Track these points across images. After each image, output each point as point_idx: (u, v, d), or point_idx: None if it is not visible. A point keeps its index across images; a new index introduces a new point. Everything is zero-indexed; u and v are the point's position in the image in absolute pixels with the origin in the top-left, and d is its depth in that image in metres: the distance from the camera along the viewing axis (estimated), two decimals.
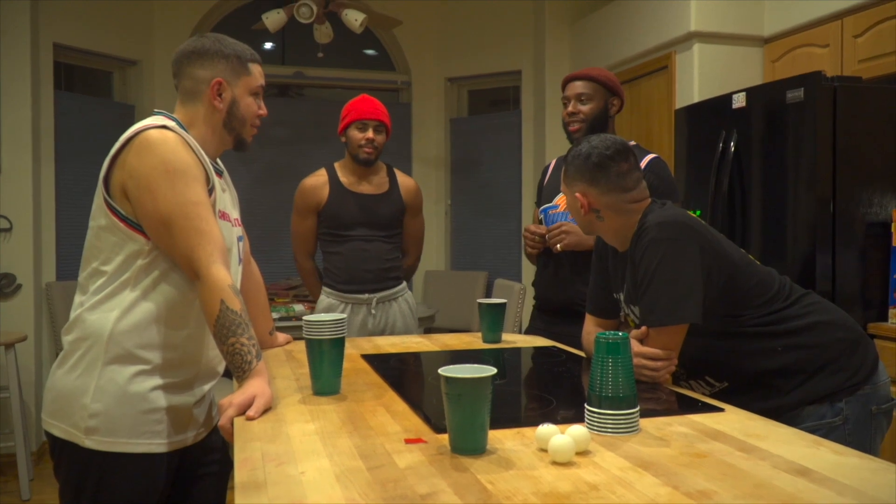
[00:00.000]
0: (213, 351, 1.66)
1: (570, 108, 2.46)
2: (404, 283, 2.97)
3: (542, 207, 2.58)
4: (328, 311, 2.83)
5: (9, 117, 4.05)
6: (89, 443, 1.52)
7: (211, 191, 1.61)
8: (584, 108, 2.44)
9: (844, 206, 2.79)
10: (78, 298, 1.60)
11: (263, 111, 1.74)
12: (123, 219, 1.54)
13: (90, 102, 4.72)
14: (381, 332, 2.84)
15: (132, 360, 1.54)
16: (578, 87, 2.46)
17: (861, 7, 3.09)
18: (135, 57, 4.87)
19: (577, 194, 1.75)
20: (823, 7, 3.27)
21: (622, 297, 1.82)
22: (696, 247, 1.62)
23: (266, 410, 1.43)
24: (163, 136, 1.53)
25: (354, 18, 4.20)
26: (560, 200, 2.52)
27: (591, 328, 1.93)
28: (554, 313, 2.47)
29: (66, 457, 1.57)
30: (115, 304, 1.54)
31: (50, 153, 4.31)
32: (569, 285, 2.42)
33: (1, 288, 3.99)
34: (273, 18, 4.20)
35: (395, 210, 2.89)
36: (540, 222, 2.57)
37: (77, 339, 1.56)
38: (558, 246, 2.37)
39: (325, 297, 2.89)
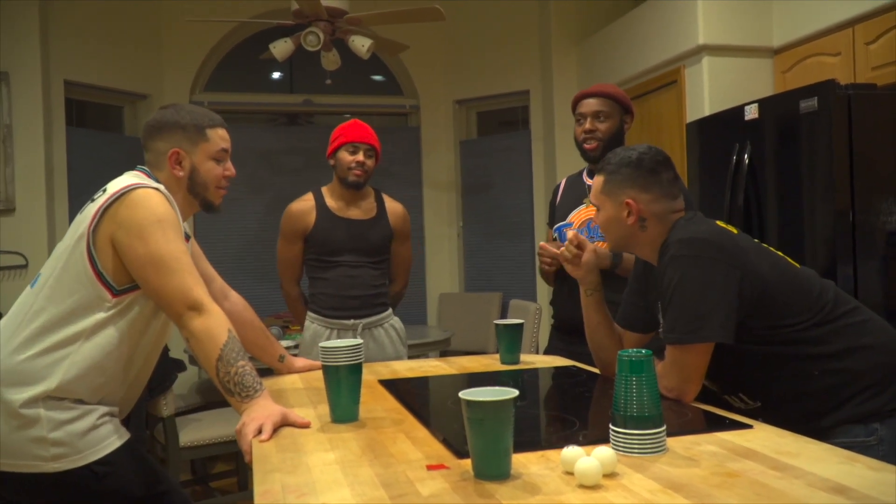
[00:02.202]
0: (128, 391, 1.75)
1: (587, 126, 2.42)
2: (390, 310, 2.92)
3: (555, 226, 2.55)
4: (314, 338, 2.79)
5: (22, 155, 4.09)
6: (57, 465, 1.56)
7: None
8: (602, 125, 2.41)
9: (864, 217, 2.75)
10: (13, 338, 1.61)
11: (230, 172, 1.83)
12: (98, 272, 1.60)
13: (102, 137, 4.76)
14: (370, 359, 2.73)
15: (70, 406, 1.59)
16: (594, 104, 2.42)
17: (872, 14, 3.07)
18: (145, 91, 4.91)
19: (629, 201, 1.70)
20: (833, 16, 3.25)
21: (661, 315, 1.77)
22: (721, 263, 1.56)
23: (280, 427, 1.49)
24: (154, 193, 1.64)
25: (361, 44, 4.21)
26: (574, 218, 2.49)
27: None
28: (572, 333, 2.43)
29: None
30: (64, 355, 1.58)
31: (63, 189, 4.34)
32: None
33: None
34: (280, 47, 4.22)
35: (384, 236, 2.84)
36: (555, 241, 2.54)
37: (21, 387, 1.56)
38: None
39: (311, 324, 2.84)
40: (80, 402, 1.60)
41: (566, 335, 2.49)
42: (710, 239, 1.60)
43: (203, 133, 1.77)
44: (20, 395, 1.54)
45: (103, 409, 1.64)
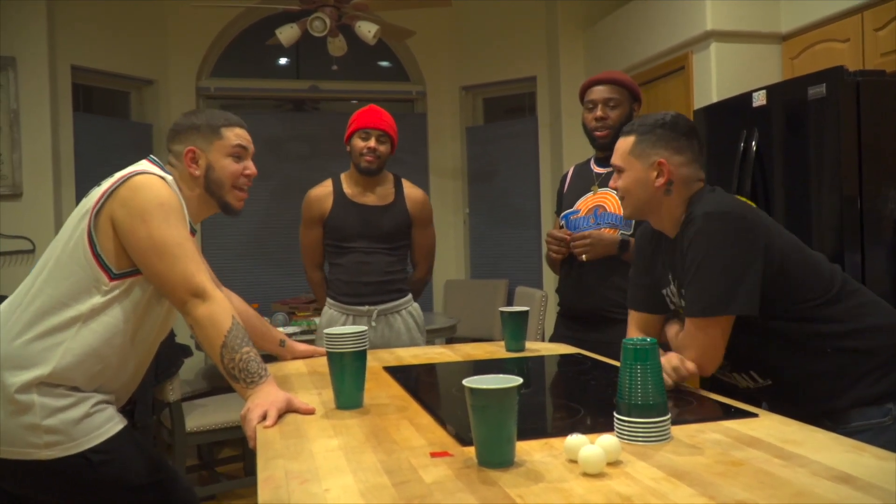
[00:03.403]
0: (128, 380, 1.73)
1: (598, 113, 2.42)
2: (409, 296, 2.92)
3: (563, 213, 2.55)
4: (330, 324, 2.81)
5: (29, 140, 4.10)
6: (49, 453, 1.55)
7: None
8: (613, 113, 2.41)
9: (871, 204, 2.73)
10: (13, 321, 1.60)
11: (250, 171, 1.82)
12: (96, 254, 1.59)
13: (109, 123, 4.76)
14: (385, 345, 2.77)
15: (65, 393, 1.58)
16: (605, 91, 2.42)
17: (881, 0, 3.03)
18: (151, 76, 4.91)
19: (661, 161, 1.68)
20: (842, 1, 3.21)
21: (672, 290, 1.75)
22: (747, 236, 1.56)
23: (284, 413, 1.49)
24: (157, 181, 1.64)
25: (368, 30, 4.20)
26: (581, 205, 2.48)
27: (634, 329, 1.88)
28: (579, 320, 2.43)
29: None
30: (60, 340, 1.57)
31: (70, 174, 4.35)
32: (594, 291, 2.38)
33: None
34: (287, 33, 4.21)
35: (399, 222, 2.84)
36: (561, 229, 2.53)
37: (16, 371, 1.56)
38: (583, 256, 2.34)
39: (328, 309, 2.87)
40: (76, 389, 1.59)
41: (572, 322, 2.49)
42: (737, 211, 1.59)
43: (217, 131, 1.77)
44: (15, 379, 1.54)
45: (99, 396, 1.63)
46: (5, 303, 1.66)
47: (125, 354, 1.66)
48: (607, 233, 2.36)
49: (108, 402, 1.66)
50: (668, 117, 1.72)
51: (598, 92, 2.43)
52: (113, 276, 1.60)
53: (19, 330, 1.58)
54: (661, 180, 1.68)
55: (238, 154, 1.79)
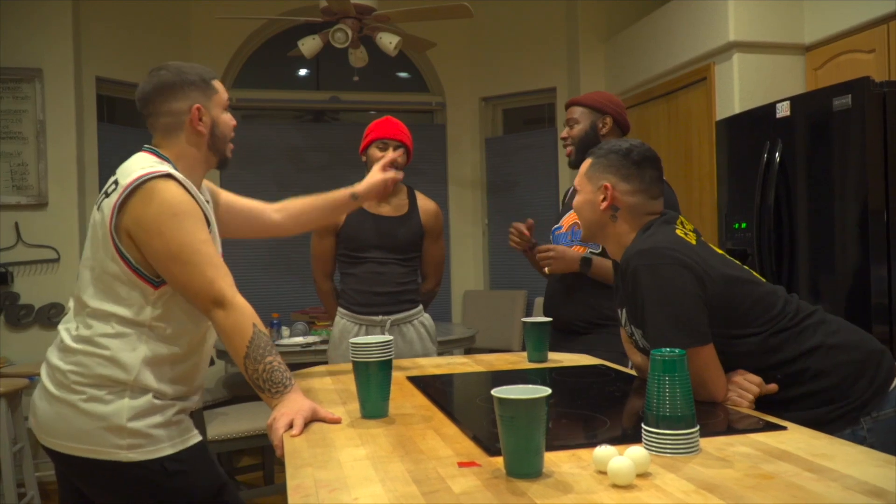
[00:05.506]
0: (203, 375, 1.79)
1: (562, 134, 2.59)
2: (420, 307, 2.93)
3: (552, 228, 2.60)
4: (343, 333, 2.82)
5: (55, 150, 4.15)
6: (133, 455, 1.57)
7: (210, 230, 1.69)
8: (573, 131, 2.56)
9: None
10: (83, 331, 1.61)
11: (234, 122, 1.80)
12: (133, 268, 1.59)
13: (132, 133, 4.81)
14: (398, 355, 2.75)
15: (149, 398, 1.60)
16: (567, 113, 2.59)
17: None
18: None
19: (606, 184, 1.72)
20: (867, 12, 3.20)
21: (622, 314, 1.79)
22: (679, 268, 1.56)
23: (310, 422, 1.50)
24: (166, 185, 1.59)
25: (389, 42, 4.22)
26: (565, 221, 2.53)
27: (628, 347, 1.89)
28: (564, 331, 2.47)
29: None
30: (135, 345, 1.59)
31: (94, 184, 4.40)
32: (561, 305, 2.49)
33: (50, 317, 4.06)
34: (309, 45, 4.24)
35: (413, 233, 2.85)
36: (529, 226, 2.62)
37: (98, 376, 1.58)
38: (546, 269, 2.40)
39: (340, 319, 2.87)
40: (160, 394, 1.61)
41: (558, 333, 2.47)
42: (666, 246, 1.60)
43: (211, 85, 1.74)
44: (104, 384, 1.57)
45: (180, 404, 1.66)
46: (68, 320, 1.67)
47: (197, 351, 1.70)
48: (575, 250, 2.41)
49: (185, 414, 1.68)
50: (625, 145, 1.76)
51: (566, 115, 2.60)
52: (156, 285, 1.60)
53: (94, 341, 1.59)
54: (605, 204, 1.72)
55: (227, 107, 1.78)
